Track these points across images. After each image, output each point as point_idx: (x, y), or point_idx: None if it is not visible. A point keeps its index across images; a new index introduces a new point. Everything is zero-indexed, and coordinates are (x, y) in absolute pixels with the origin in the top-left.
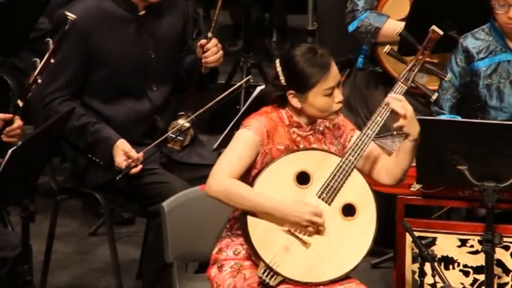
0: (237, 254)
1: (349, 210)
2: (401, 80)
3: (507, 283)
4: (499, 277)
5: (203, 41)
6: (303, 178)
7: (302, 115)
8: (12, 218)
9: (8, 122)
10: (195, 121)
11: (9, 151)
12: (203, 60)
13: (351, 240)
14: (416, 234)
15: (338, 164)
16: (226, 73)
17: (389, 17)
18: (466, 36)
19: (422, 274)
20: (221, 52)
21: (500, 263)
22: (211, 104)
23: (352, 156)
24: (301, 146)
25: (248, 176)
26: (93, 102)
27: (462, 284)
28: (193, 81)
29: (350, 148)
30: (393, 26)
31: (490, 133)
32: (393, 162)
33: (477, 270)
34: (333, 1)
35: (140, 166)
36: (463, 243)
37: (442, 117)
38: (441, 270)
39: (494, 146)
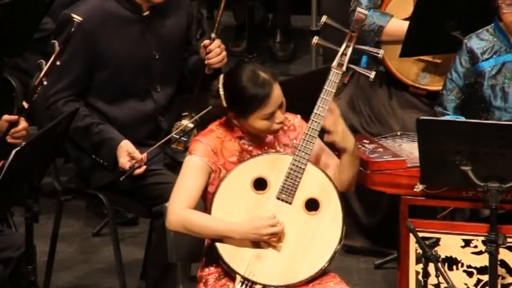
0: (218, 266)
1: (312, 205)
2: (335, 67)
3: (511, 284)
4: (503, 277)
5: (206, 42)
6: (260, 184)
7: (244, 131)
8: (15, 218)
9: (13, 124)
10: (198, 122)
11: (13, 151)
12: (206, 62)
13: (320, 234)
14: (420, 234)
15: (291, 162)
16: None
17: (393, 16)
18: (471, 37)
19: (426, 275)
20: (224, 53)
21: (504, 264)
22: None
23: (303, 151)
24: (254, 153)
25: (206, 193)
26: (97, 102)
27: (466, 284)
28: (197, 82)
29: (300, 144)
30: (397, 25)
31: (494, 134)
32: (338, 175)
33: (481, 270)
34: (337, 1)
35: (144, 167)
36: (467, 243)
37: (446, 117)
38: (445, 271)
39: (498, 146)
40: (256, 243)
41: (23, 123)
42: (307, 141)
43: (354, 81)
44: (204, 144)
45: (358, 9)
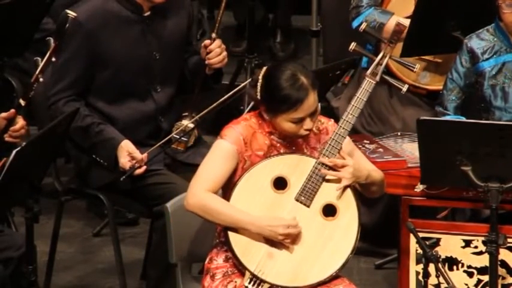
0: (227, 261)
1: (329, 210)
2: (369, 75)
3: (511, 284)
4: (503, 278)
5: (207, 42)
6: (280, 183)
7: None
8: (16, 218)
9: (11, 121)
10: (199, 122)
11: (14, 152)
12: (206, 62)
13: (334, 240)
14: (420, 235)
15: (313, 166)
16: (230, 74)
17: (394, 14)
18: (471, 37)
19: (426, 275)
20: (225, 53)
21: (504, 264)
22: (215, 104)
23: (327, 156)
24: (282, 151)
25: (230, 184)
26: (97, 102)
27: (466, 284)
28: (197, 82)
29: (324, 148)
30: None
31: (495, 134)
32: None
33: (481, 271)
34: (337, 2)
35: (144, 167)
36: (467, 244)
37: (447, 117)
38: (445, 271)
39: (499, 146)
40: (270, 242)
41: (20, 122)
42: (332, 146)
43: (354, 81)
44: (236, 132)
45: (400, 20)
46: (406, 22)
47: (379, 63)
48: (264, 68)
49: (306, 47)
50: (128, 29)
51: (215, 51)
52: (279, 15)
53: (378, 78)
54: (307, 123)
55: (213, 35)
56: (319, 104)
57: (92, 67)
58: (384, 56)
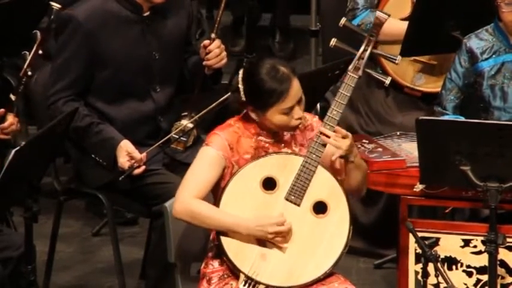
0: (222, 264)
1: (320, 208)
2: (352, 70)
3: (510, 283)
4: (502, 277)
5: (206, 42)
6: (269, 184)
7: (262, 127)
8: (15, 218)
9: (2, 118)
10: (198, 122)
11: (13, 151)
12: (205, 63)
13: (326, 237)
14: (420, 234)
15: (301, 164)
16: (229, 73)
17: (390, 16)
18: (470, 37)
19: (426, 274)
20: (224, 53)
21: (504, 264)
22: (214, 104)
23: (314, 154)
24: (270, 150)
25: (218, 189)
26: (97, 102)
27: (465, 284)
28: (197, 82)
29: (311, 146)
30: (394, 24)
31: (494, 134)
32: (347, 179)
33: (480, 270)
34: (337, 1)
35: (143, 167)
36: (466, 243)
37: (446, 117)
38: (444, 271)
39: (498, 146)
40: (262, 243)
41: (10, 119)
42: (319, 143)
43: None
44: (222, 138)
45: (378, 13)
46: (385, 15)
47: (360, 57)
48: (241, 71)
49: (305, 46)
50: (128, 29)
51: (214, 52)
52: (278, 15)
53: (360, 72)
54: (297, 112)
55: (212, 35)
56: (318, 104)
57: (92, 67)
58: (364, 50)
